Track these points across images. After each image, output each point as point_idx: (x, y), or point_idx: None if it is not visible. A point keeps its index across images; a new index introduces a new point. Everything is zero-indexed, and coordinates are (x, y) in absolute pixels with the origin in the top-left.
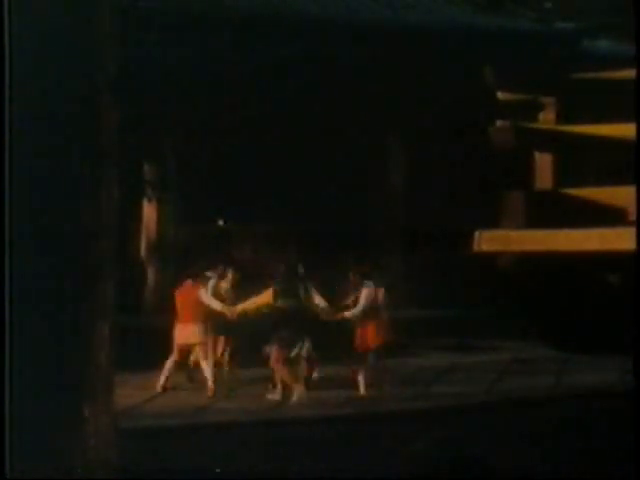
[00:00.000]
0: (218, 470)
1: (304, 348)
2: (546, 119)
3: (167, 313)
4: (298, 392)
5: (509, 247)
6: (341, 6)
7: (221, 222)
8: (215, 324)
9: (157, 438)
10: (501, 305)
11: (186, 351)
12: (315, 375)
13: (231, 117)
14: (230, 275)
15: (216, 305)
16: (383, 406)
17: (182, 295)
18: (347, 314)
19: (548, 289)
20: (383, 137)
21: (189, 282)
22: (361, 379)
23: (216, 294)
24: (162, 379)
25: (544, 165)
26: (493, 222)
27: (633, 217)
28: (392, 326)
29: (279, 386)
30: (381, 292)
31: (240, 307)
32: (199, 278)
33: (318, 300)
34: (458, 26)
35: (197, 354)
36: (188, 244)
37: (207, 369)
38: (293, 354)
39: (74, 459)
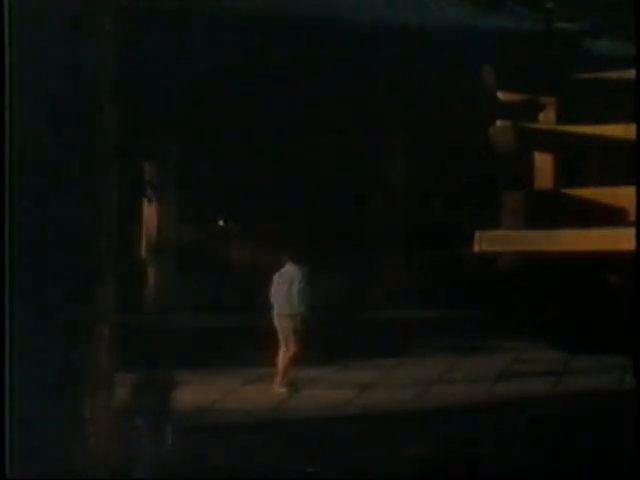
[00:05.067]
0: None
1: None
2: (546, 119)
3: (167, 313)
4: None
5: (509, 247)
6: (341, 5)
7: (221, 222)
8: None
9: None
10: (501, 305)
11: None
12: None
13: (231, 117)
14: None
15: None
16: (383, 406)
17: None
18: None
19: (548, 289)
20: (383, 137)
21: None
22: None
23: None
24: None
25: (544, 165)
26: (493, 222)
27: (633, 217)
28: (392, 326)
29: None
30: None
31: None
32: None
33: None
34: (458, 26)
35: None
36: (188, 244)
37: None
38: None
39: (74, 459)
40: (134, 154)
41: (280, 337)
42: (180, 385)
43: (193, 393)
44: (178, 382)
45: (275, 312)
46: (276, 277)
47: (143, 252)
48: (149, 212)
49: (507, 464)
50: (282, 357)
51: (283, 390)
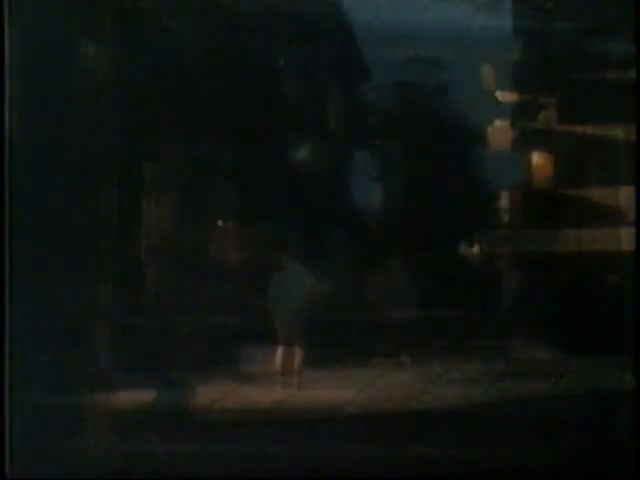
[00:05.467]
0: None
1: None
2: (546, 119)
3: (167, 313)
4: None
5: (509, 247)
6: (339, 6)
7: (221, 222)
8: None
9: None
10: (501, 305)
11: None
12: None
13: (232, 117)
14: None
15: None
16: (383, 406)
17: None
18: None
19: (548, 289)
20: (383, 137)
21: None
22: None
23: None
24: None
25: (544, 165)
26: (493, 222)
27: (633, 217)
28: (392, 326)
29: None
30: None
31: None
32: None
33: None
34: (458, 26)
35: None
36: (188, 244)
37: None
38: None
39: (74, 459)
40: (134, 154)
41: (280, 337)
42: (180, 385)
43: (192, 393)
44: (178, 382)
45: (278, 312)
46: (278, 277)
47: (143, 252)
48: (149, 212)
49: (507, 464)
50: (283, 357)
51: (283, 390)
